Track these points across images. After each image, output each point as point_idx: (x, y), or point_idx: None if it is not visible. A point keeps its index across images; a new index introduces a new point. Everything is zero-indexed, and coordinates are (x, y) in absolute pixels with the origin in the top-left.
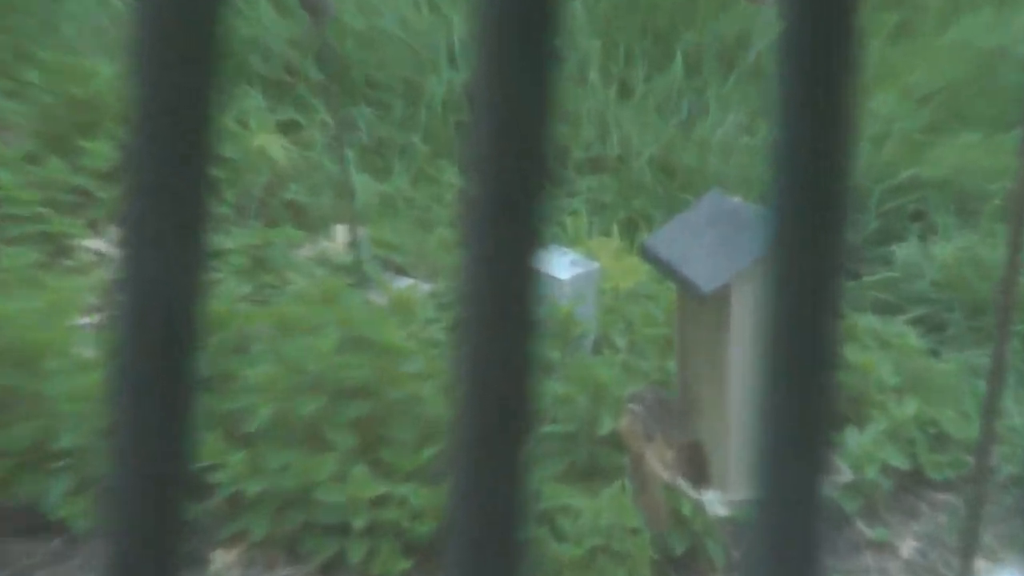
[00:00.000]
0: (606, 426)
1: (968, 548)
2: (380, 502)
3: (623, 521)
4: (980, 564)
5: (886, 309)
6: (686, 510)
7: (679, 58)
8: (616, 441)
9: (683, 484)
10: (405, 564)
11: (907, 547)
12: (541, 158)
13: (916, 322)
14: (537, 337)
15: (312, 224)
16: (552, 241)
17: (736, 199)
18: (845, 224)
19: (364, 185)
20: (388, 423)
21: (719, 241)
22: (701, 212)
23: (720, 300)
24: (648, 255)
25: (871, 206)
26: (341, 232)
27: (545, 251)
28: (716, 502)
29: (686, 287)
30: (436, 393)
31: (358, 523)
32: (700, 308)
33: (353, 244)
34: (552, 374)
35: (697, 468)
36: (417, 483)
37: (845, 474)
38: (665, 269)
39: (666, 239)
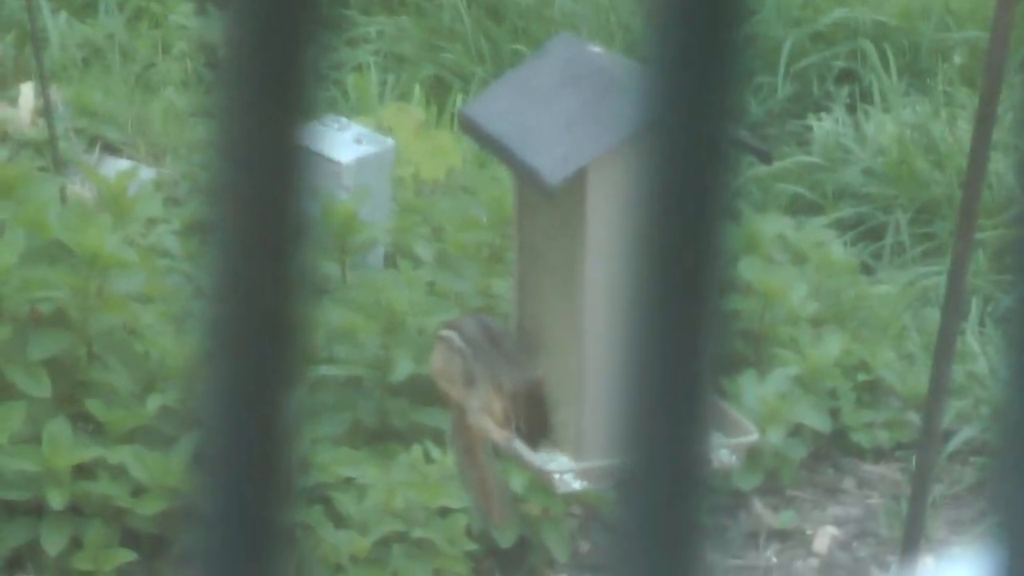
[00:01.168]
0: (403, 370)
1: (910, 539)
2: (87, 472)
3: (426, 500)
4: (924, 560)
5: (801, 208)
6: (516, 485)
7: None
8: (415, 391)
9: (520, 447)
10: (124, 556)
11: (823, 538)
12: None
13: (842, 226)
14: (306, 245)
15: None
16: (327, 108)
17: (595, 48)
18: (745, 86)
19: (60, 28)
20: (96, 363)
21: (573, 110)
22: (546, 68)
23: (573, 195)
24: (469, 128)
25: (781, 62)
26: (26, 94)
27: (317, 122)
28: (567, 472)
29: (525, 176)
30: (163, 322)
31: (56, 500)
32: (545, 206)
33: (44, 111)
34: (328, 297)
35: (537, 424)
36: (139, 446)
37: (748, 435)
38: (494, 150)
39: (495, 107)
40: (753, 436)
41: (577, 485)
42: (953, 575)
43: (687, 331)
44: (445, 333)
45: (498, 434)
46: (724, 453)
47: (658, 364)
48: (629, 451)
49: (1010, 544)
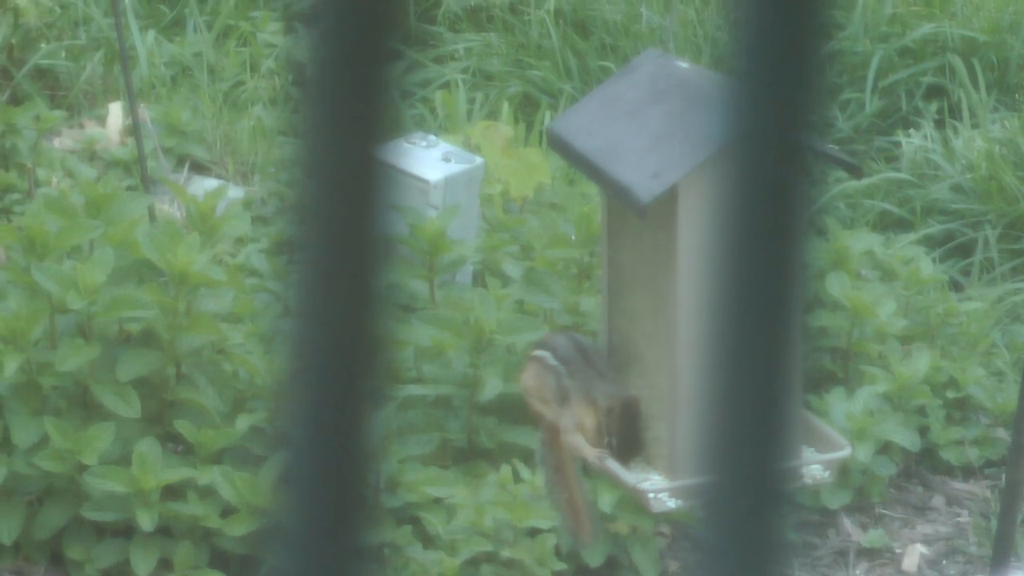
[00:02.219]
0: (491, 389)
1: (1000, 556)
2: (176, 492)
3: (515, 519)
4: None
5: (889, 224)
6: (604, 504)
7: None
8: (504, 410)
9: (613, 466)
10: None
11: (912, 556)
12: (397, 7)
13: (931, 242)
14: (392, 263)
15: (74, 102)
16: (415, 126)
17: (682, 63)
18: (831, 101)
19: (149, 46)
20: (185, 383)
21: (661, 125)
22: (633, 83)
23: (664, 211)
24: (556, 145)
25: (869, 78)
26: (115, 113)
27: (405, 140)
28: (662, 491)
29: (616, 193)
30: (251, 341)
31: (145, 521)
32: (635, 223)
33: (133, 130)
34: (416, 316)
35: (630, 441)
36: (228, 466)
37: (841, 450)
38: (582, 167)
39: (583, 123)
40: (846, 451)
41: (672, 504)
42: None
43: (774, 347)
44: (538, 352)
45: (591, 452)
46: (816, 468)
47: (745, 380)
48: (715, 468)
49: None
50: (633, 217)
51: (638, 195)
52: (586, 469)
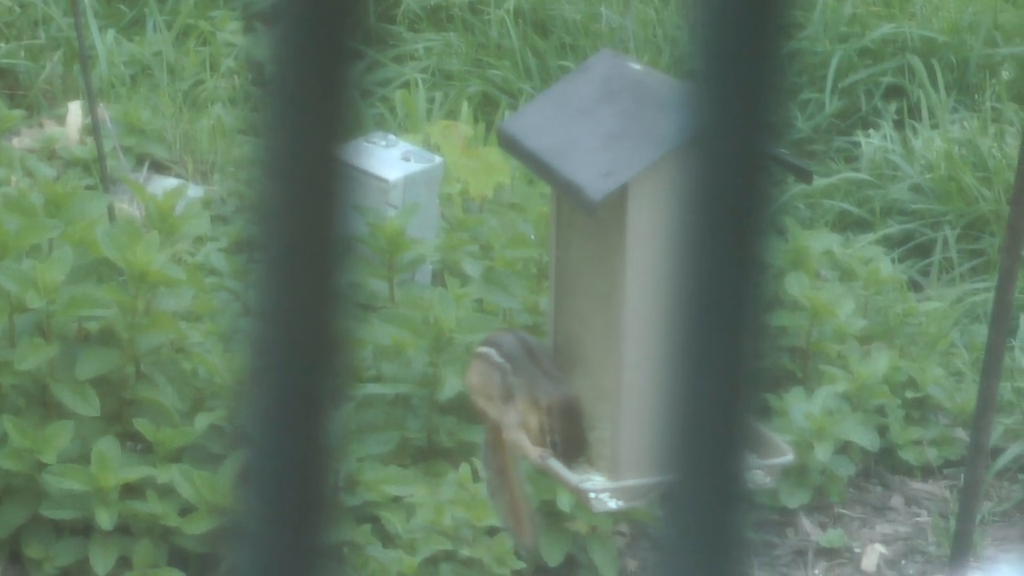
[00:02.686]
0: (451, 388)
1: (959, 556)
2: (135, 491)
3: (475, 518)
4: None
5: (849, 224)
6: (563, 503)
7: None
8: (464, 409)
9: (556, 465)
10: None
11: (872, 555)
12: (356, 6)
13: (890, 242)
14: (351, 262)
15: (33, 101)
16: (375, 126)
17: (637, 64)
18: (788, 102)
19: (108, 46)
20: (144, 382)
21: (614, 126)
22: (586, 83)
23: (614, 210)
24: (508, 144)
25: (828, 78)
26: (74, 112)
27: (365, 140)
28: (603, 491)
29: (566, 192)
30: (211, 340)
31: (104, 520)
32: (584, 222)
33: (92, 130)
34: (375, 315)
35: (573, 441)
36: (187, 465)
37: (783, 456)
38: (533, 165)
39: (534, 122)
40: (787, 457)
41: (613, 504)
42: None
43: (726, 348)
44: (483, 349)
45: (533, 451)
46: (758, 474)
47: (702, 381)
48: (668, 468)
49: None
50: (582, 217)
51: (588, 193)
52: (534, 469)
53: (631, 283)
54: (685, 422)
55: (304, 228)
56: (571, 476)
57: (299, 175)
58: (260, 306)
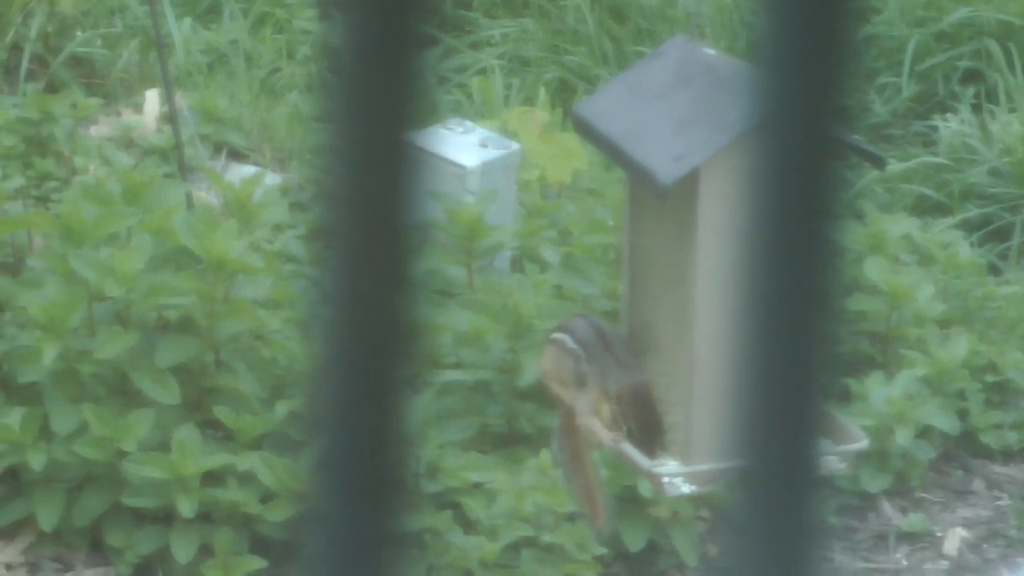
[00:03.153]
0: (530, 374)
1: None
2: (216, 479)
3: (556, 504)
4: None
5: (927, 208)
6: (644, 489)
7: None
8: (544, 395)
9: (628, 450)
10: (253, 563)
11: (953, 539)
12: None
13: (969, 226)
14: (426, 248)
15: (110, 90)
16: (452, 112)
17: (708, 49)
18: (862, 86)
19: (185, 33)
20: (223, 370)
21: (686, 110)
22: (659, 68)
23: (685, 195)
24: (581, 128)
25: (905, 62)
26: (151, 101)
27: (442, 126)
28: (676, 476)
29: (637, 176)
30: (289, 327)
31: (185, 508)
32: (656, 206)
33: (169, 118)
34: (454, 301)
35: (648, 427)
36: (267, 452)
37: (857, 442)
38: (607, 149)
39: (608, 107)
40: (862, 443)
41: (686, 489)
42: None
43: (800, 332)
44: (556, 335)
45: (606, 436)
46: (832, 460)
47: (775, 365)
48: (742, 453)
49: None
50: (655, 201)
51: (659, 177)
52: (611, 455)
53: (703, 267)
54: (759, 407)
55: (379, 215)
56: (643, 461)
57: (374, 162)
58: (337, 293)
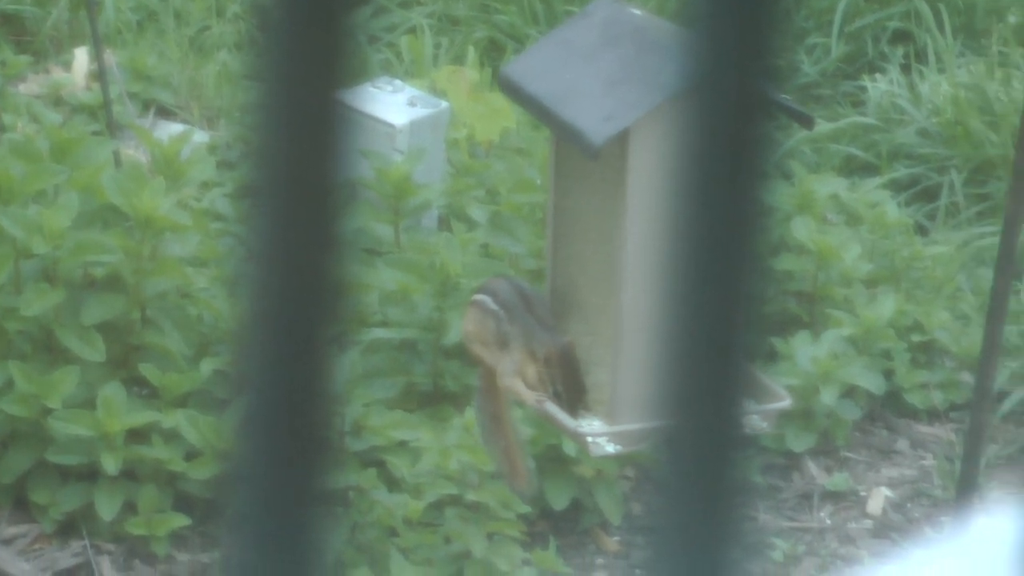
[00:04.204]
0: (456, 332)
1: (964, 499)
2: (141, 436)
3: (480, 462)
4: (979, 520)
5: (855, 168)
6: (569, 448)
7: None
8: (468, 353)
9: (553, 410)
10: (177, 521)
11: (877, 499)
12: None
13: (896, 187)
14: (354, 207)
15: (40, 47)
16: (381, 71)
17: (635, 9)
18: (791, 47)
19: None
20: (150, 327)
21: (615, 71)
22: (586, 28)
23: (614, 156)
24: (509, 89)
25: (835, 22)
26: (81, 58)
27: (371, 85)
28: (601, 436)
29: (567, 136)
30: (216, 285)
31: (110, 465)
32: (584, 167)
33: (98, 75)
34: (383, 260)
35: (573, 388)
36: (192, 410)
37: (784, 400)
38: (534, 110)
39: (537, 67)
40: (785, 402)
41: (611, 449)
42: (997, 529)
43: (725, 292)
44: (478, 297)
45: (530, 396)
46: (755, 419)
47: (701, 325)
48: (667, 413)
49: None
50: (582, 162)
51: (590, 138)
52: (535, 415)
53: (631, 228)
54: (683, 366)
55: (307, 173)
56: (569, 421)
57: (302, 120)
58: (263, 251)
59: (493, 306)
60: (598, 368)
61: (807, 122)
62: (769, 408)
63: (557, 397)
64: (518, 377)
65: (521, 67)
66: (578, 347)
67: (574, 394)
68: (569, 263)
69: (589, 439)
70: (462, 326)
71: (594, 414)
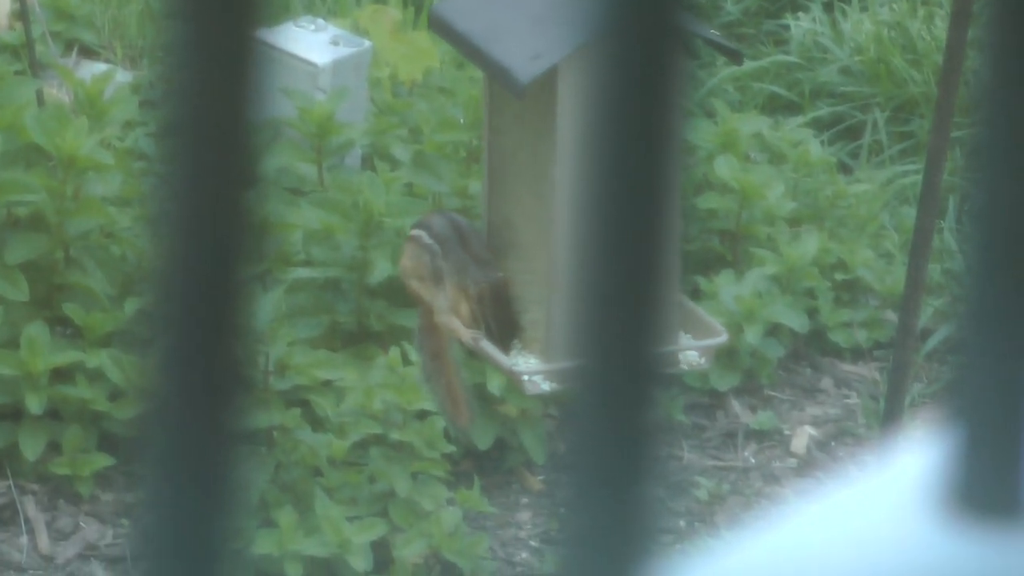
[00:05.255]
0: (380, 271)
1: (888, 437)
2: (64, 376)
3: (405, 402)
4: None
5: (778, 107)
6: (493, 387)
7: None
8: (393, 292)
9: (488, 347)
10: (102, 461)
11: (801, 437)
12: None
13: (819, 125)
14: (276, 146)
15: None
16: (304, 10)
17: None
18: None
19: None
20: (73, 267)
21: (542, 9)
22: None
23: (543, 94)
24: (439, 27)
25: None
26: None
27: (294, 24)
28: (536, 374)
29: (496, 75)
30: (139, 224)
31: (34, 405)
32: (515, 105)
33: (21, 15)
34: (306, 199)
35: (506, 325)
36: (116, 350)
37: (717, 336)
38: (464, 48)
39: (466, 5)
40: (722, 338)
41: (546, 386)
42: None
43: (656, 228)
44: (414, 231)
45: (466, 333)
46: (692, 355)
47: (625, 260)
48: (590, 351)
49: (968, 429)
50: (514, 100)
51: (517, 76)
52: (469, 353)
53: (562, 166)
54: (604, 304)
55: (229, 112)
56: (504, 358)
57: (224, 60)
58: (185, 191)
59: (428, 240)
60: (535, 306)
61: (736, 57)
62: (706, 344)
63: (489, 334)
64: (454, 314)
65: (451, 5)
66: (515, 284)
67: (507, 331)
68: (504, 201)
69: (524, 377)
70: (400, 262)
71: (530, 351)
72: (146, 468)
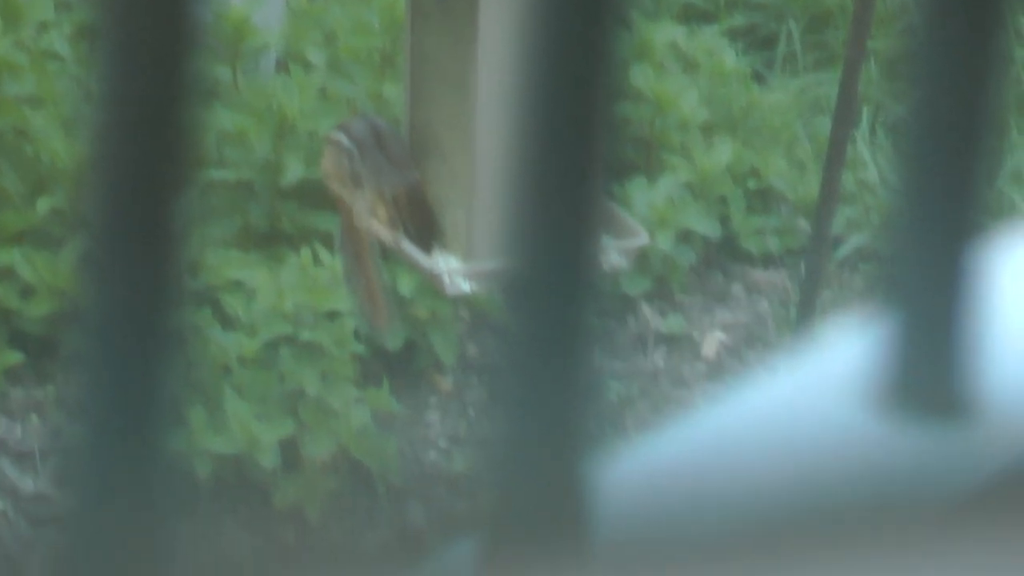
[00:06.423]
0: (293, 173)
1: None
2: None
3: (315, 303)
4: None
5: (693, 16)
6: (404, 288)
7: None
8: (306, 194)
9: (409, 248)
10: (11, 358)
11: (711, 342)
12: None
13: (734, 34)
14: (197, 50)
15: None
16: None
17: None
18: None
19: None
20: None
21: None
22: None
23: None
24: None
25: None
26: None
27: None
28: (456, 274)
29: None
30: (53, 125)
31: None
32: (437, 9)
33: None
34: (218, 102)
35: (425, 227)
36: (28, 247)
37: (637, 237)
38: None
39: None
40: (642, 238)
41: (467, 287)
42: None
43: (576, 135)
44: (334, 134)
45: (385, 235)
46: (613, 255)
47: (548, 166)
48: (518, 252)
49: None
50: (436, 3)
51: None
52: (386, 254)
53: (484, 68)
54: (533, 207)
55: (146, 14)
56: (424, 259)
57: None
58: (103, 92)
59: (347, 143)
60: (456, 207)
61: None
62: (627, 244)
63: (408, 236)
64: (373, 216)
65: None
66: (437, 186)
67: (425, 234)
68: (425, 104)
69: (445, 277)
70: (323, 164)
71: (451, 253)
72: (62, 367)
